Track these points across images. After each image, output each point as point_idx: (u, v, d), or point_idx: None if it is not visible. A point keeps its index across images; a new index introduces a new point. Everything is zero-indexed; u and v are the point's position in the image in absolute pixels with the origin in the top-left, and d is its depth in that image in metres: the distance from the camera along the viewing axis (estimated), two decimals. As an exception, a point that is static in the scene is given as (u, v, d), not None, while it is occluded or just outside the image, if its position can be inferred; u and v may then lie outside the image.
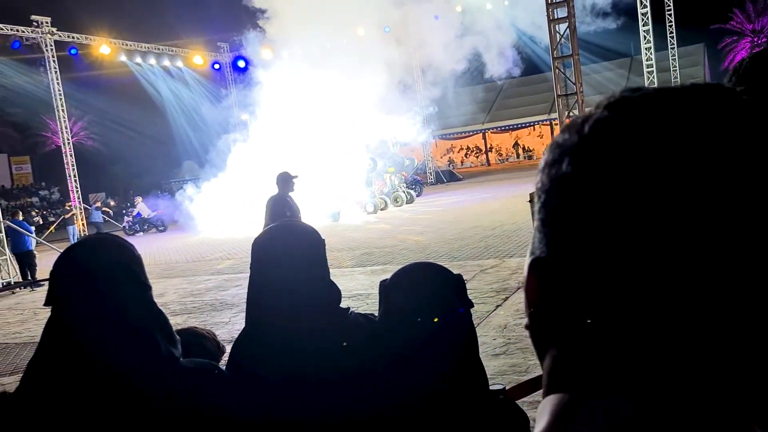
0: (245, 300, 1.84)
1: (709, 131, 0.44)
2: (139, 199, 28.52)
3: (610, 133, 0.47)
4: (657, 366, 0.45)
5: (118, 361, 1.45)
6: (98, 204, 28.38)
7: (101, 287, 1.47)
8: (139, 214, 26.97)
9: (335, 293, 1.84)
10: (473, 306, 1.53)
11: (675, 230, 0.43)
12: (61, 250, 1.64)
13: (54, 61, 26.38)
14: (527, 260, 0.53)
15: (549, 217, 0.50)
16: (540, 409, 0.50)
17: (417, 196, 25.57)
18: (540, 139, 47.57)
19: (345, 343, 1.69)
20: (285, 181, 8.23)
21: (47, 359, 1.47)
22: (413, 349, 1.45)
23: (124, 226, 26.31)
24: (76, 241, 17.81)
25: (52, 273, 1.52)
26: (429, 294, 1.50)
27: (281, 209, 8.03)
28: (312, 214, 16.70)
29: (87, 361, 1.44)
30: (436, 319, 1.46)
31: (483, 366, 1.50)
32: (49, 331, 1.48)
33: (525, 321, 0.53)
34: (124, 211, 28.32)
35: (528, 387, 3.15)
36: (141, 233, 26.02)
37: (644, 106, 0.47)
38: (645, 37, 23.24)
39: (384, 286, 1.55)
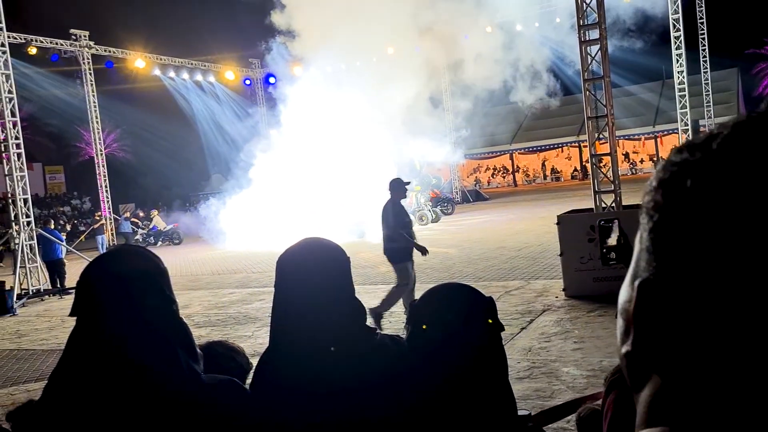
0: (269, 315, 1.82)
1: None
2: (155, 212, 28.38)
3: (742, 151, 0.45)
4: None
5: (140, 374, 1.44)
6: (127, 215, 28.74)
7: (126, 298, 1.47)
8: (155, 227, 26.85)
9: (360, 311, 1.82)
10: (504, 329, 1.50)
11: None
12: (90, 259, 1.64)
13: (90, 73, 27.03)
14: (630, 282, 0.51)
15: (664, 238, 0.47)
16: None
17: (449, 214, 25.61)
18: (568, 161, 47.24)
19: (333, 348, 1.66)
20: (398, 187, 8.34)
21: (70, 369, 1.48)
22: (440, 369, 1.42)
23: (137, 239, 26.04)
24: (104, 250, 18.11)
25: (78, 283, 1.53)
26: (459, 316, 1.47)
27: (401, 214, 8.16)
28: (336, 230, 16.76)
29: (109, 372, 1.44)
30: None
31: (512, 390, 1.47)
32: (74, 340, 1.49)
33: (625, 347, 0.51)
34: (139, 223, 27.98)
35: (554, 414, 3.08)
36: (161, 244, 26.07)
37: None
38: (678, 60, 23.02)
39: (414, 306, 1.53)
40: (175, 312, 1.55)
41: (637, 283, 0.49)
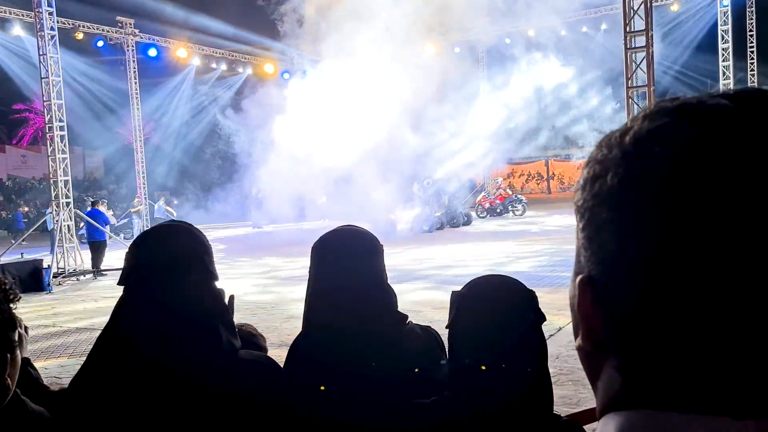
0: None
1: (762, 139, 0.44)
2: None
3: (654, 143, 0.46)
4: (728, 380, 0.44)
5: (181, 347, 1.47)
6: (162, 201, 28.95)
7: (171, 273, 1.51)
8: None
9: (392, 296, 1.85)
10: (546, 320, 1.52)
11: (735, 241, 0.42)
12: (127, 241, 1.70)
13: (134, 61, 27.54)
14: (574, 279, 0.52)
15: (597, 234, 0.49)
16: (601, 428, 0.49)
17: (520, 215, 25.81)
18: (604, 170, 46.50)
19: (374, 334, 1.69)
20: None
21: (112, 339, 1.52)
22: (485, 360, 1.42)
23: (81, 233, 23.04)
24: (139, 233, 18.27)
25: (127, 254, 1.57)
26: (503, 305, 1.48)
27: None
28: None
29: (150, 344, 1.47)
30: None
31: (551, 382, 1.47)
32: (118, 311, 1.53)
33: (577, 341, 0.52)
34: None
35: (579, 418, 3.06)
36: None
37: (686, 116, 0.46)
38: (725, 73, 22.53)
39: (457, 294, 1.54)
40: (215, 288, 1.58)
41: (577, 280, 0.51)
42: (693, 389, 0.44)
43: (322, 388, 1.65)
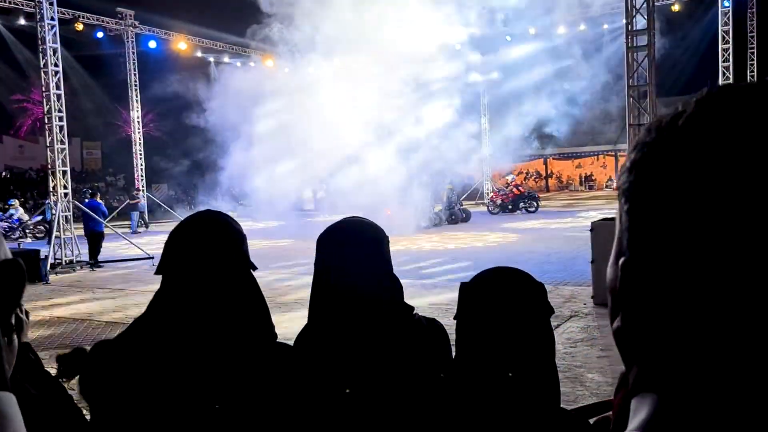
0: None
1: None
2: (16, 202, 25.05)
3: (705, 129, 0.46)
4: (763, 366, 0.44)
5: (220, 334, 1.50)
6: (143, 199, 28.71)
7: (211, 262, 1.52)
8: (17, 219, 23.48)
9: (398, 287, 1.84)
10: (554, 313, 1.51)
11: None
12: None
13: (133, 53, 27.46)
14: (614, 261, 0.52)
15: (642, 217, 0.49)
16: (635, 406, 0.50)
17: (533, 212, 25.61)
18: (603, 169, 46.61)
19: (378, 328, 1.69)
20: None
21: (151, 325, 1.53)
22: (493, 352, 1.42)
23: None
24: (136, 227, 18.27)
25: (166, 244, 1.58)
26: (512, 297, 1.47)
27: None
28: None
29: (190, 332, 1.48)
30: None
31: (558, 375, 1.47)
32: (158, 300, 1.54)
33: (615, 324, 0.52)
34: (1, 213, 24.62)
35: (579, 414, 3.07)
36: (20, 236, 22.25)
37: (742, 101, 0.46)
38: (724, 74, 22.55)
39: (466, 285, 1.53)
40: (253, 277, 1.64)
41: (621, 262, 0.51)
42: (730, 371, 0.45)
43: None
